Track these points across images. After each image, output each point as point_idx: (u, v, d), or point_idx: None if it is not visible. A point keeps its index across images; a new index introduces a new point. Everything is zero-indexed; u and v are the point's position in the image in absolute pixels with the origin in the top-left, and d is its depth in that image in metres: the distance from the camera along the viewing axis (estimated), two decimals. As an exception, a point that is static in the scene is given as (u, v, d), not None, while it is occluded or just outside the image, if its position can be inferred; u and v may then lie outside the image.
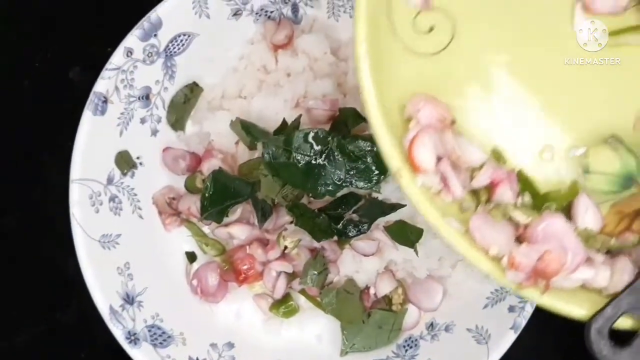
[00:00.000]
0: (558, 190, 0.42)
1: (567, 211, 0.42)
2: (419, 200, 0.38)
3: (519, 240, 0.39)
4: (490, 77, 0.42)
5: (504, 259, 0.38)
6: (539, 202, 0.41)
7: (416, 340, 0.58)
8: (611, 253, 0.41)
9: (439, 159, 0.39)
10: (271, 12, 0.61)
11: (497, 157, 0.42)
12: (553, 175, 0.42)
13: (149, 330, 0.56)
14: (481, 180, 0.40)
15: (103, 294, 0.55)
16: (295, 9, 0.61)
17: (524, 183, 0.42)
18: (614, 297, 0.39)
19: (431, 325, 0.58)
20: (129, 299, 0.56)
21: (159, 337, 0.56)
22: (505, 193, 0.40)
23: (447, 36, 0.41)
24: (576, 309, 0.39)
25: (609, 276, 0.40)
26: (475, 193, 0.41)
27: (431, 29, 0.41)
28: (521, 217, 0.39)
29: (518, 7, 0.42)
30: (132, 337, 0.55)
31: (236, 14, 0.60)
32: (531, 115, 0.43)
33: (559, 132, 0.42)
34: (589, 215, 0.41)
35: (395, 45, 0.40)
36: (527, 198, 0.41)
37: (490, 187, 0.41)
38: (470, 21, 0.42)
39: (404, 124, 0.40)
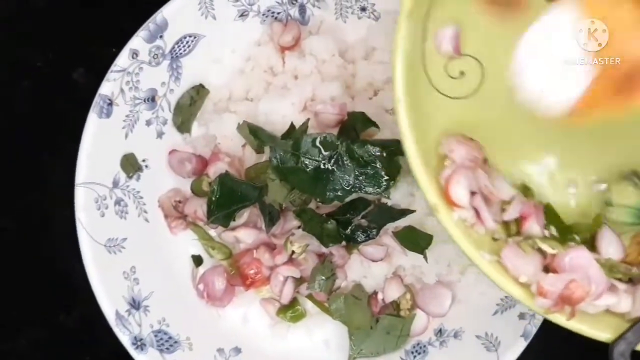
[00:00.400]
0: (582, 222, 0.45)
1: (592, 241, 0.45)
2: (455, 233, 0.42)
3: (547, 269, 0.42)
4: (518, 116, 0.45)
5: (532, 286, 0.41)
6: (565, 233, 0.44)
7: (424, 346, 0.57)
8: (633, 281, 0.43)
9: (472, 193, 0.42)
10: (278, 13, 0.60)
11: (525, 191, 0.46)
12: (577, 207, 0.46)
13: (156, 336, 0.56)
14: (511, 213, 0.44)
15: (109, 299, 0.54)
16: (302, 10, 0.60)
17: (551, 215, 0.45)
18: (636, 321, 0.42)
19: (440, 332, 0.58)
20: (135, 304, 0.56)
21: (166, 343, 0.56)
22: (533, 227, 0.43)
23: (476, 80, 0.44)
24: (600, 333, 0.42)
25: (631, 302, 0.42)
26: (506, 225, 0.44)
27: (462, 74, 0.44)
28: (548, 248, 0.42)
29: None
30: (139, 343, 0.54)
31: (243, 15, 0.59)
32: (557, 154, 0.46)
33: (583, 168, 0.46)
34: (611, 247, 0.44)
35: (429, 88, 0.44)
36: (553, 230, 0.44)
37: (520, 220, 0.44)
38: (496, 66, 0.44)
39: (439, 161, 0.43)
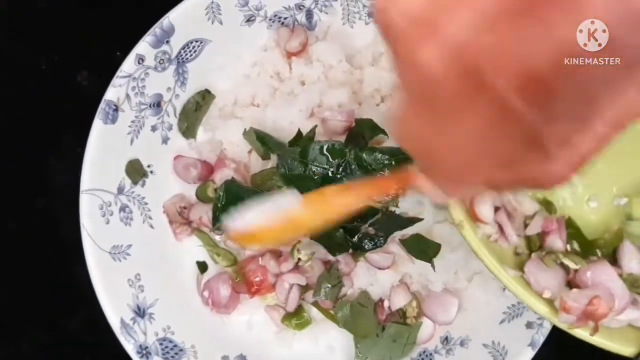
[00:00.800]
0: (604, 238, 0.46)
1: (613, 255, 0.45)
2: (480, 250, 0.42)
3: (569, 284, 0.42)
4: None
5: (556, 302, 0.41)
6: (587, 248, 0.45)
7: (431, 354, 0.57)
8: None
9: (496, 209, 0.43)
10: (285, 18, 0.59)
11: (548, 206, 0.46)
12: (599, 221, 0.47)
13: (161, 344, 0.55)
14: (534, 228, 0.44)
15: (114, 308, 0.54)
16: (309, 15, 0.59)
17: (573, 230, 0.45)
18: None
19: (446, 339, 0.57)
20: (140, 312, 0.55)
21: (171, 351, 0.55)
22: (556, 241, 0.44)
23: None
24: (624, 348, 0.42)
25: None
26: (528, 239, 0.45)
27: None
28: (571, 263, 0.42)
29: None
30: (144, 352, 0.54)
31: (249, 20, 0.58)
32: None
33: (604, 183, 0.47)
34: (633, 261, 0.44)
35: None
36: (575, 245, 0.44)
37: (542, 235, 0.44)
38: None
39: None
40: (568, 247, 0.44)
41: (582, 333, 0.41)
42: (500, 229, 0.43)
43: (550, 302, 0.42)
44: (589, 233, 0.46)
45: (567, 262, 0.43)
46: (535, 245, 0.44)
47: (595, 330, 0.41)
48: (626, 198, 0.47)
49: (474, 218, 0.42)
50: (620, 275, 0.42)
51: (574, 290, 0.41)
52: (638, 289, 0.43)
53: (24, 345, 0.63)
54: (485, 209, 0.42)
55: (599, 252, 0.45)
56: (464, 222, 0.42)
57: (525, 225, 0.45)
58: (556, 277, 0.42)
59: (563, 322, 0.41)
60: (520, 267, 0.43)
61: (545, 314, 0.42)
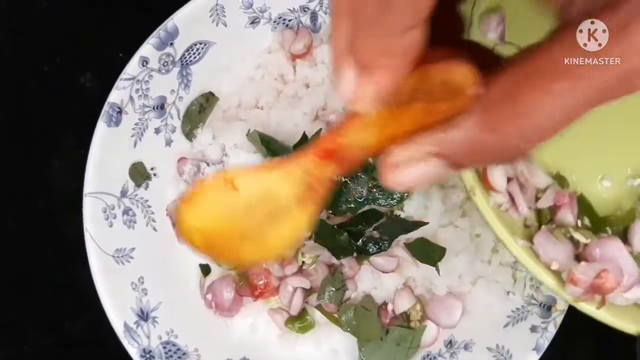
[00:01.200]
0: (615, 215, 0.45)
1: (623, 234, 0.45)
2: (490, 217, 0.41)
3: (578, 258, 0.42)
4: None
5: (563, 274, 0.41)
6: (598, 224, 0.44)
7: (434, 358, 0.57)
8: None
9: (508, 179, 0.42)
10: (289, 20, 0.59)
11: (561, 181, 0.46)
12: (611, 200, 0.46)
13: (164, 347, 0.55)
14: (545, 202, 0.44)
15: (117, 311, 0.54)
16: (314, 17, 0.59)
17: (584, 206, 0.45)
18: None
19: (450, 343, 0.57)
20: (143, 315, 0.55)
21: (174, 354, 0.55)
22: (567, 215, 0.43)
23: None
24: (629, 325, 0.41)
25: None
26: (539, 212, 0.44)
27: None
28: (581, 237, 0.42)
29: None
30: (148, 355, 0.54)
31: (254, 22, 0.58)
32: (594, 146, 0.46)
33: (618, 163, 0.47)
34: None
35: None
36: (586, 221, 0.44)
37: (553, 208, 0.44)
38: None
39: None
40: (579, 222, 0.44)
41: (587, 307, 0.41)
42: (512, 199, 0.42)
43: (557, 274, 0.41)
44: (600, 211, 0.46)
45: (577, 236, 0.42)
46: (546, 218, 0.44)
47: (602, 303, 0.40)
48: (639, 179, 0.46)
49: (486, 186, 0.42)
50: (631, 253, 0.42)
51: (583, 263, 0.41)
52: None
53: (26, 349, 0.63)
54: (498, 177, 0.41)
55: (609, 230, 0.44)
56: (475, 188, 0.41)
57: (537, 199, 0.44)
58: (565, 250, 0.42)
59: (569, 295, 0.41)
60: (529, 239, 0.42)
61: (552, 286, 0.41)
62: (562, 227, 0.43)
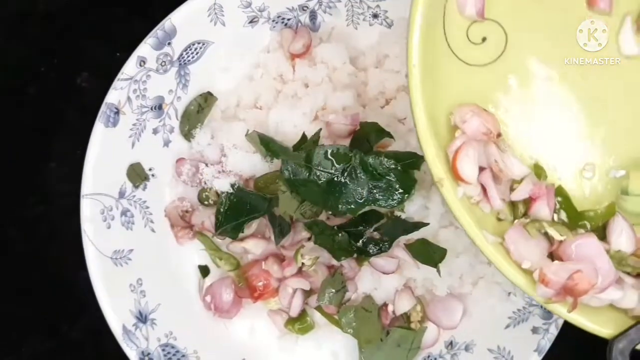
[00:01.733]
0: (595, 210, 0.43)
1: (602, 231, 0.42)
2: (457, 209, 0.39)
3: (552, 256, 0.40)
4: (537, 91, 0.43)
5: (535, 273, 0.39)
6: (575, 219, 0.42)
7: (435, 359, 0.57)
8: None
9: (481, 169, 0.40)
10: (288, 19, 0.59)
11: (539, 172, 0.43)
12: (591, 194, 0.43)
13: (163, 350, 0.55)
14: (520, 194, 0.41)
15: (116, 314, 0.53)
16: (313, 16, 0.59)
17: (562, 199, 0.42)
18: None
19: (450, 344, 0.57)
20: (142, 318, 0.54)
21: (173, 357, 0.55)
22: (543, 209, 0.41)
23: (499, 48, 0.42)
24: (602, 328, 0.40)
25: (637, 299, 0.40)
26: (513, 205, 0.42)
27: (484, 40, 0.41)
28: (556, 234, 0.40)
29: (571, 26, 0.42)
30: (146, 358, 0.53)
31: (252, 21, 0.58)
32: (576, 134, 0.43)
33: (601, 152, 0.43)
34: (623, 237, 0.41)
35: (447, 55, 0.41)
36: (563, 215, 0.42)
37: (529, 201, 0.41)
38: (521, 33, 0.42)
39: (449, 132, 0.41)
40: (555, 216, 0.41)
41: (559, 309, 0.39)
42: (484, 190, 0.40)
43: (529, 273, 0.39)
44: (579, 205, 0.42)
45: (551, 232, 0.40)
46: (520, 212, 0.41)
47: (573, 306, 0.39)
48: (624, 170, 0.43)
49: (456, 176, 0.39)
50: (608, 252, 0.40)
51: (556, 262, 0.39)
52: (625, 267, 0.40)
53: (24, 353, 0.62)
54: (468, 167, 0.39)
55: (587, 225, 0.42)
56: (444, 179, 0.39)
57: (512, 190, 0.41)
58: (538, 247, 0.40)
59: (540, 296, 0.39)
60: (501, 234, 0.40)
61: (521, 285, 0.39)
62: (536, 222, 0.41)
